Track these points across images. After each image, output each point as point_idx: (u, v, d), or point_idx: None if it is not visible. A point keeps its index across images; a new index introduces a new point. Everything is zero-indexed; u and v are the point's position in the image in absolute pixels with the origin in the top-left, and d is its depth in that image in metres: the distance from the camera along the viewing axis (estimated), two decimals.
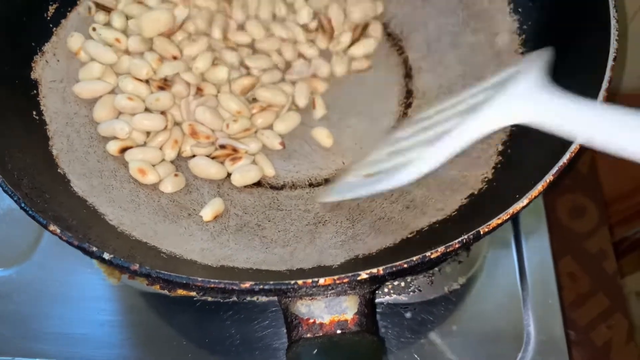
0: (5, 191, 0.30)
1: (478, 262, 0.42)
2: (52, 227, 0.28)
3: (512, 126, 0.38)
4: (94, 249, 0.28)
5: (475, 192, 0.35)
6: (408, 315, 0.40)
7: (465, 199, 0.35)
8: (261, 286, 0.26)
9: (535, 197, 0.29)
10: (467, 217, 0.33)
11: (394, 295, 0.41)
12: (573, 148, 0.30)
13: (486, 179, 0.36)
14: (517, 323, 0.40)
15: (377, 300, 0.41)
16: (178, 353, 0.40)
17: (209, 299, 0.41)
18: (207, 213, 0.36)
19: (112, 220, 0.35)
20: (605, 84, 0.31)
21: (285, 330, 0.38)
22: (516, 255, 0.43)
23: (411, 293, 0.41)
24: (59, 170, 0.36)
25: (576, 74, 0.35)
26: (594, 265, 0.60)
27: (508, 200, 0.30)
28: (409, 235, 0.34)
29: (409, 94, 0.43)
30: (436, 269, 0.41)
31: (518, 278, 0.42)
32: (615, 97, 0.63)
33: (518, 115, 0.27)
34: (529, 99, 0.27)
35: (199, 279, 0.27)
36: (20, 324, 0.41)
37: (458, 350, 0.39)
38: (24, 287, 0.42)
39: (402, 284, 0.41)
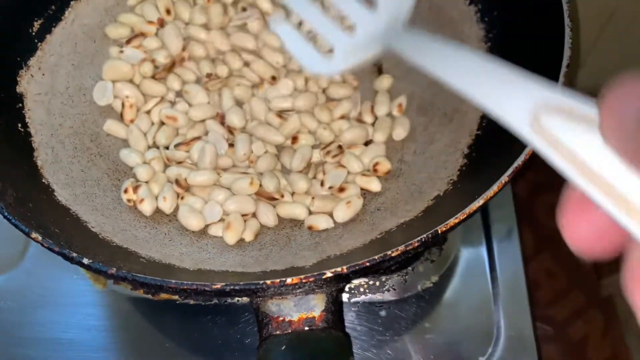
0: None
1: (450, 261, 0.44)
2: (34, 235, 0.30)
3: (477, 130, 0.40)
4: (74, 254, 0.29)
5: (441, 194, 0.37)
6: (383, 313, 0.41)
7: (431, 200, 0.37)
8: (232, 287, 0.28)
9: (491, 197, 0.30)
10: (432, 217, 0.35)
11: (369, 295, 0.42)
12: (527, 150, 0.31)
13: (452, 181, 0.37)
14: (487, 320, 0.41)
15: (353, 300, 0.42)
16: (163, 355, 0.41)
17: (192, 302, 0.43)
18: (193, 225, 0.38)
19: (94, 227, 0.36)
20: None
21: None
22: (487, 254, 0.44)
23: (386, 292, 0.42)
24: (43, 181, 0.37)
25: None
26: (570, 262, 0.62)
27: (469, 199, 0.32)
28: (378, 236, 0.36)
29: None
30: (410, 268, 0.43)
31: (489, 276, 0.43)
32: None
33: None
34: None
35: (173, 281, 0.28)
36: (9, 330, 0.42)
37: (431, 346, 0.41)
38: (12, 294, 0.43)
39: (377, 283, 0.42)
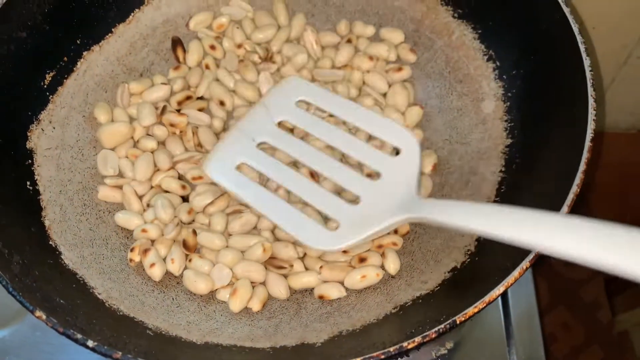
0: None
1: (466, 326, 0.42)
2: (38, 314, 0.29)
3: (496, 196, 0.39)
4: (79, 336, 0.28)
5: (458, 266, 0.35)
6: None
7: (448, 272, 0.36)
8: None
9: (512, 284, 0.29)
10: (449, 295, 0.34)
11: None
12: None
13: (469, 252, 0.36)
14: None
15: None
16: None
17: None
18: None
19: (101, 294, 0.35)
20: (582, 166, 0.32)
21: None
22: (503, 317, 0.43)
23: (399, 359, 0.41)
24: (50, 243, 0.37)
25: (556, 150, 0.36)
26: (588, 315, 0.60)
27: (488, 280, 0.31)
28: (393, 311, 0.34)
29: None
30: None
31: (506, 342, 0.42)
32: (606, 136, 0.64)
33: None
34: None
35: None
36: None
37: None
38: (16, 350, 0.42)
39: None
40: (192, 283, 0.37)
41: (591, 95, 0.34)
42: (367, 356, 0.27)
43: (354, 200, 0.32)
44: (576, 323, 0.58)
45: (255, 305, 0.36)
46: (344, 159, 0.39)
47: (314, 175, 0.37)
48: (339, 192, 0.36)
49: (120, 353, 0.28)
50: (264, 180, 0.39)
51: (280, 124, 0.38)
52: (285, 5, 0.47)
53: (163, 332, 0.34)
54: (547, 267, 0.58)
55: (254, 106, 0.41)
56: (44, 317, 0.29)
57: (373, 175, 0.33)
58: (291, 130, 0.39)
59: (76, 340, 0.28)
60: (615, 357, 0.55)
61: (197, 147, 0.43)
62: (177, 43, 0.47)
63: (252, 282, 0.37)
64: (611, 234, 0.21)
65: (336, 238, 0.31)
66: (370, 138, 0.39)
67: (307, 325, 0.35)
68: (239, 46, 0.46)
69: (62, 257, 0.37)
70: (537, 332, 0.42)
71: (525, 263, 0.29)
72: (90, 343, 0.28)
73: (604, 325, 0.59)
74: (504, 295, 0.44)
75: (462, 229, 0.26)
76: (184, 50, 0.47)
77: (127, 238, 0.40)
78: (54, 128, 0.42)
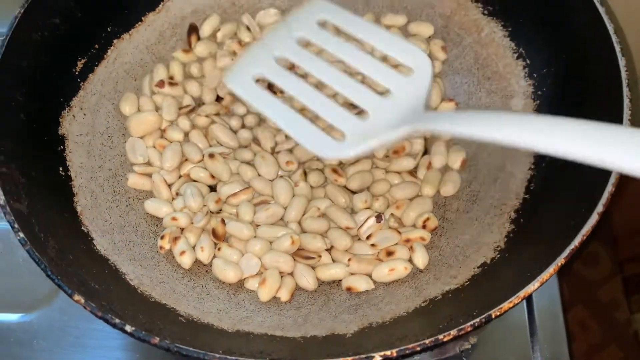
0: (33, 258, 0.31)
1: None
2: (76, 297, 0.29)
3: (525, 193, 0.39)
4: (117, 320, 0.29)
5: (488, 262, 0.36)
6: None
7: (477, 267, 0.36)
8: None
9: (546, 280, 0.29)
10: (480, 289, 0.34)
11: None
12: (585, 231, 0.30)
13: (499, 248, 0.36)
14: None
15: None
16: None
17: None
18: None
19: (133, 280, 0.36)
20: None
21: None
22: (527, 310, 0.43)
23: (422, 353, 0.41)
24: (82, 228, 0.37)
25: None
26: (605, 314, 0.60)
27: (520, 275, 0.31)
28: (422, 304, 0.35)
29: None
30: None
31: (529, 338, 0.42)
32: None
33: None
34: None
35: (217, 355, 0.28)
36: None
37: None
38: (43, 333, 0.43)
39: None
40: (222, 271, 0.37)
41: (627, 96, 0.34)
42: (402, 347, 0.27)
43: (363, 113, 0.32)
44: (594, 322, 0.58)
45: (284, 295, 0.37)
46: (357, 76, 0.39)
47: (324, 88, 0.37)
48: (350, 108, 0.36)
49: (157, 339, 0.28)
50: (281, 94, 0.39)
51: (299, 42, 0.37)
52: None
53: (195, 320, 0.34)
54: (565, 267, 0.58)
55: (277, 24, 0.40)
56: (82, 301, 0.29)
57: (385, 93, 0.33)
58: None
59: (114, 325, 0.29)
60: (634, 356, 0.55)
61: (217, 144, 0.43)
62: (193, 30, 0.47)
63: (280, 273, 0.38)
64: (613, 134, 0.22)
65: (342, 147, 0.31)
66: (386, 59, 0.39)
67: (336, 317, 0.35)
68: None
69: (94, 242, 0.37)
70: (560, 329, 0.43)
71: (560, 260, 0.30)
72: (128, 328, 0.29)
73: (621, 324, 0.59)
74: (528, 300, 0.44)
75: (469, 135, 0.26)
76: (198, 38, 0.47)
77: (157, 226, 0.40)
78: (85, 115, 0.42)
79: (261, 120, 0.44)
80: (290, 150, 0.42)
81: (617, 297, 0.61)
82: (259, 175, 0.41)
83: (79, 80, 0.43)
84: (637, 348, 0.56)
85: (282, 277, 0.38)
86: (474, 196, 0.40)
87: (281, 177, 0.41)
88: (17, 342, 0.43)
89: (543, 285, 0.40)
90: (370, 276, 0.37)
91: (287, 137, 0.43)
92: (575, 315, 0.58)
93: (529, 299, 0.44)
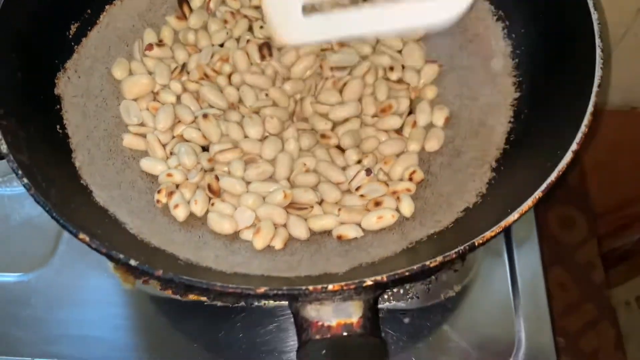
0: (37, 202, 0.32)
1: (472, 271, 0.45)
2: (81, 236, 0.31)
3: (505, 144, 0.41)
4: (121, 256, 0.30)
5: (471, 206, 0.38)
6: (406, 320, 0.42)
7: (461, 212, 0.38)
8: (275, 291, 0.29)
9: (525, 212, 0.31)
10: (463, 229, 0.36)
11: (393, 302, 0.43)
12: (561, 167, 0.32)
13: (480, 194, 0.38)
14: (508, 329, 0.42)
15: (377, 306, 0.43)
16: (188, 356, 0.42)
17: (219, 303, 0.43)
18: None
19: (132, 229, 0.37)
20: (590, 108, 0.34)
21: (290, 335, 0.41)
22: (508, 265, 0.45)
23: (409, 300, 0.43)
24: (81, 182, 0.38)
25: (565, 97, 0.38)
26: (582, 275, 0.63)
27: (501, 214, 0.33)
28: (409, 246, 0.37)
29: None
30: (433, 277, 0.43)
31: (510, 286, 0.44)
32: (601, 114, 0.66)
33: None
34: None
35: (218, 283, 0.29)
36: (38, 327, 0.43)
37: (453, 354, 0.42)
38: (41, 292, 0.44)
39: (401, 291, 0.43)
40: (217, 223, 0.39)
41: (598, 46, 0.36)
42: (391, 273, 0.29)
43: None
44: (571, 283, 0.61)
45: (278, 244, 0.38)
46: None
47: None
48: None
49: (161, 270, 0.30)
50: None
51: None
52: None
53: (194, 263, 0.35)
54: (544, 230, 0.60)
55: None
56: (87, 239, 0.31)
57: None
58: None
59: (118, 260, 0.30)
60: (606, 314, 0.58)
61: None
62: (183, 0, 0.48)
63: (274, 224, 0.39)
64: None
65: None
66: None
67: (328, 260, 0.37)
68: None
69: (94, 195, 0.38)
70: (541, 285, 0.45)
71: (538, 193, 0.32)
72: (132, 262, 0.30)
73: (597, 285, 0.61)
74: (509, 249, 0.46)
75: None
76: (190, 9, 0.48)
77: (152, 182, 0.42)
78: (79, 77, 0.43)
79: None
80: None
81: (593, 259, 0.64)
82: (246, 136, 0.43)
83: (73, 43, 0.44)
84: (609, 305, 0.58)
85: (275, 228, 0.39)
86: (456, 151, 0.42)
87: (271, 135, 0.43)
88: (16, 300, 0.44)
89: (525, 244, 0.43)
90: (359, 225, 0.39)
91: (267, 95, 0.44)
92: (554, 276, 0.61)
93: (510, 257, 0.46)
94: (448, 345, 0.42)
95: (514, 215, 0.31)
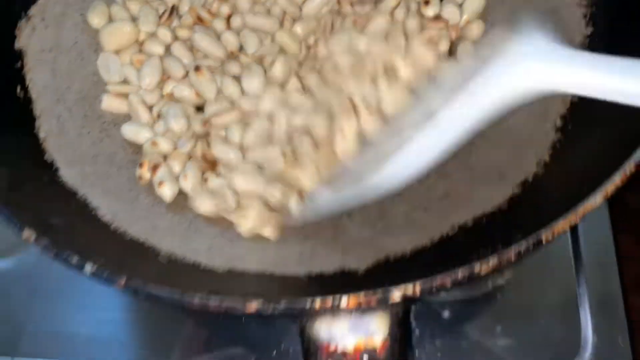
0: None
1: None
2: (26, 233, 0.24)
3: (573, 95, 0.32)
4: (75, 259, 0.23)
5: (530, 179, 0.30)
6: (446, 314, 0.35)
7: (517, 186, 0.30)
8: (272, 306, 0.22)
9: (612, 194, 0.23)
10: (521, 212, 0.28)
11: None
12: None
13: (542, 162, 0.30)
14: (572, 325, 0.35)
15: None
16: (184, 354, 0.36)
17: None
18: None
19: (105, 215, 0.30)
20: None
21: None
22: (572, 246, 0.37)
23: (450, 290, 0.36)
24: (45, 158, 0.32)
25: None
26: None
27: (573, 192, 0.25)
28: (450, 232, 0.29)
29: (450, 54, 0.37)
30: None
31: (574, 272, 0.37)
32: None
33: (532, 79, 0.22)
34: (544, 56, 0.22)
35: (196, 296, 0.22)
36: (18, 321, 0.38)
37: (502, 354, 0.35)
38: (21, 279, 0.39)
39: None
40: (203, 203, 0.32)
41: None
42: (426, 279, 0.22)
43: None
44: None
45: (269, 232, 0.31)
46: None
47: None
48: None
49: (124, 278, 0.23)
50: None
51: None
52: None
53: (178, 259, 0.29)
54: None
55: None
56: (33, 237, 0.24)
57: None
58: None
59: (70, 265, 0.23)
60: None
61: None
62: None
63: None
64: None
65: None
66: None
67: (347, 250, 0.30)
68: None
69: (60, 173, 0.32)
70: (611, 262, 0.37)
71: (630, 165, 0.23)
72: (88, 268, 0.23)
73: None
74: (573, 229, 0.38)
75: None
76: None
77: (137, 154, 0.35)
78: (47, 27, 0.37)
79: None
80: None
81: None
82: (244, 91, 0.35)
83: None
84: None
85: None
86: None
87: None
88: None
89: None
90: None
91: (273, 40, 0.37)
92: (620, 246, 0.53)
93: (574, 231, 0.38)
94: (495, 344, 0.35)
95: (596, 198, 0.23)
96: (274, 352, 0.35)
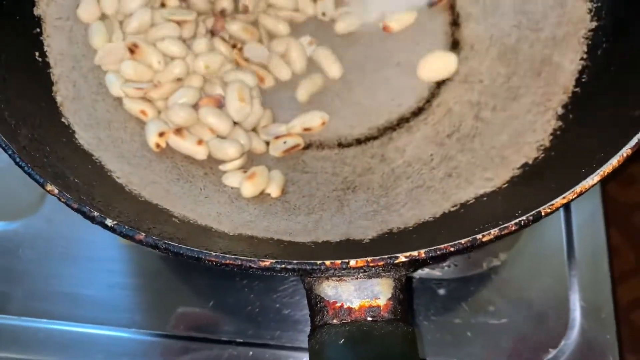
0: None
1: (522, 236, 0.38)
2: (49, 187, 0.25)
3: (575, 86, 0.33)
4: (95, 213, 0.24)
5: (530, 162, 0.31)
6: (441, 292, 0.37)
7: (517, 169, 0.31)
8: (283, 265, 0.23)
9: (607, 175, 0.24)
10: (521, 191, 0.29)
11: (427, 269, 0.37)
12: None
13: (542, 147, 0.31)
14: (561, 307, 0.36)
15: None
16: (193, 320, 0.37)
17: None
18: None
19: (120, 178, 0.31)
20: None
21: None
22: (565, 229, 0.39)
23: (446, 268, 0.37)
24: (62, 120, 0.33)
25: None
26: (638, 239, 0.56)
27: (572, 174, 0.26)
28: (452, 209, 0.30)
29: (454, 45, 0.38)
30: None
31: (566, 257, 0.38)
32: None
33: None
34: None
35: (213, 253, 0.23)
36: (26, 282, 0.38)
37: (494, 332, 0.36)
38: (30, 242, 0.39)
39: None
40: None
41: None
42: (432, 248, 0.23)
43: None
44: (627, 247, 0.54)
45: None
46: None
47: None
48: None
49: (143, 234, 0.24)
50: None
51: None
52: None
53: (191, 221, 0.30)
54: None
55: None
56: (55, 191, 0.25)
57: None
58: None
59: (92, 218, 0.24)
60: None
61: None
62: None
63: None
64: None
65: None
66: None
67: (351, 222, 0.31)
68: None
69: (76, 136, 0.32)
70: (602, 251, 0.38)
71: (626, 150, 0.24)
72: (109, 222, 0.24)
73: None
74: (566, 212, 0.40)
75: None
76: None
77: None
78: None
79: None
80: None
81: None
82: None
83: None
84: None
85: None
86: (512, 93, 0.35)
87: None
88: (1, 251, 0.39)
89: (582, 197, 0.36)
90: None
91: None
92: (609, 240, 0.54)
93: (567, 213, 0.39)
94: (488, 322, 0.36)
95: (593, 178, 0.24)
96: (277, 318, 0.36)
